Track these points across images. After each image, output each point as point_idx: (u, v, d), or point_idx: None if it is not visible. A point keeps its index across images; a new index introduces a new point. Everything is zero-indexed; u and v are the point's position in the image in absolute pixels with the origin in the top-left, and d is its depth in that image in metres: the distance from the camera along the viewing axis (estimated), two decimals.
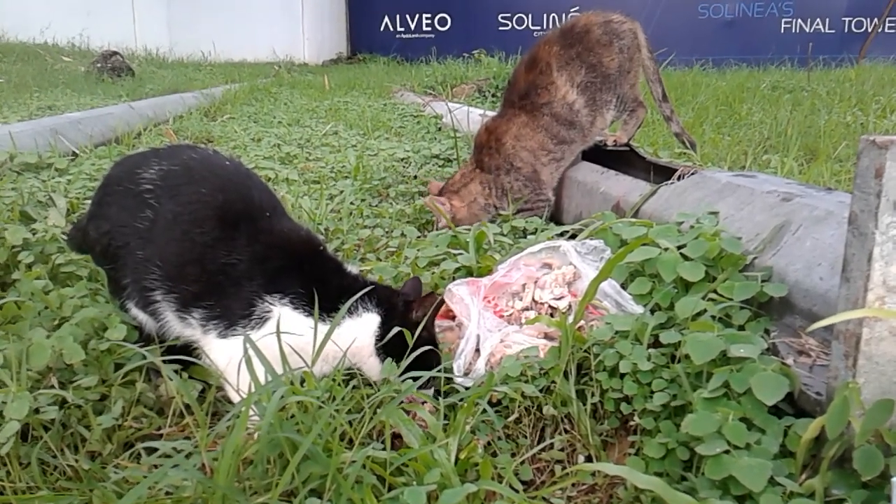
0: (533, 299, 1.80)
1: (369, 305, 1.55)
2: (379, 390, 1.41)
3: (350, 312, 1.51)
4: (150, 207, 1.55)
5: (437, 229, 2.81)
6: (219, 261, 1.50)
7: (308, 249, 1.60)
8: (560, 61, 2.94)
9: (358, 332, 1.52)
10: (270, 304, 1.48)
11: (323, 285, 1.51)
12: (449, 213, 2.82)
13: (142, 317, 1.61)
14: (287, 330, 1.41)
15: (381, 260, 2.39)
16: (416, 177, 3.73)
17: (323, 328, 1.44)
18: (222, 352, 1.49)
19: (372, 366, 1.54)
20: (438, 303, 1.56)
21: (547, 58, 2.96)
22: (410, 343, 1.49)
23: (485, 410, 1.40)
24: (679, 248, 1.69)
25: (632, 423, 1.43)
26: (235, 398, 1.46)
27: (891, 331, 1.07)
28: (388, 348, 1.52)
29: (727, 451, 1.15)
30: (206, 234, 1.52)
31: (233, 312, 1.49)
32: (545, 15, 14.04)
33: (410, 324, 1.53)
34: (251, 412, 1.20)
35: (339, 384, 1.42)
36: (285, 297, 1.49)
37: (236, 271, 1.50)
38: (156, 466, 1.34)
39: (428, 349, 1.50)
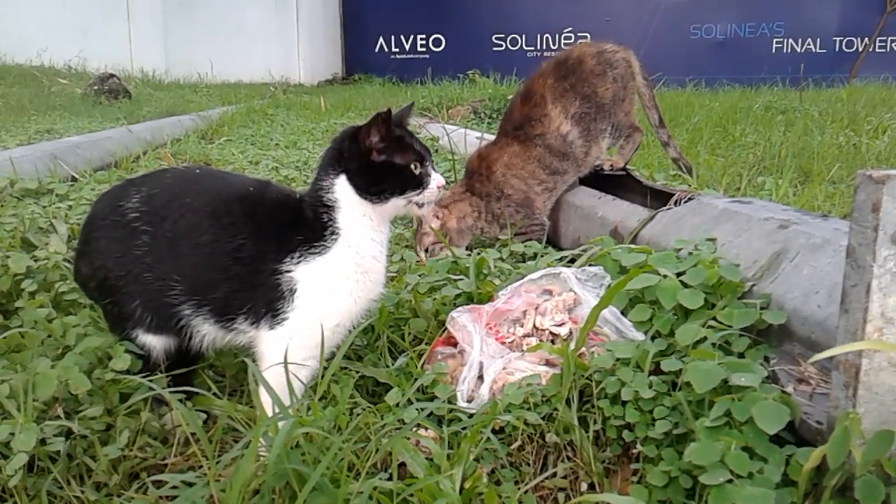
0: (534, 326, 1.81)
1: (333, 173, 1.60)
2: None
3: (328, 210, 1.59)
4: (145, 233, 1.58)
5: (415, 240, 2.84)
6: (229, 249, 1.56)
7: (292, 201, 1.65)
8: (554, 93, 2.99)
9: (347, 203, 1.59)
10: (289, 271, 1.55)
11: (312, 217, 1.59)
12: (439, 219, 2.85)
13: (152, 342, 1.63)
14: (323, 285, 1.55)
15: None
16: None
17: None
18: (277, 343, 1.54)
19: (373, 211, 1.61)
20: (384, 114, 1.57)
21: (541, 90, 3.01)
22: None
23: (488, 439, 1.42)
24: (678, 275, 1.71)
25: (634, 450, 1.45)
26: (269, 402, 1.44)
27: (889, 361, 1.09)
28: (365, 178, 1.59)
29: (730, 481, 1.17)
30: (208, 233, 1.57)
31: (269, 299, 1.55)
32: (539, 36, 14.16)
33: (365, 150, 1.58)
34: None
35: (343, 413, 1.43)
36: (295, 253, 1.55)
37: (246, 252, 1.56)
38: (162, 497, 1.35)
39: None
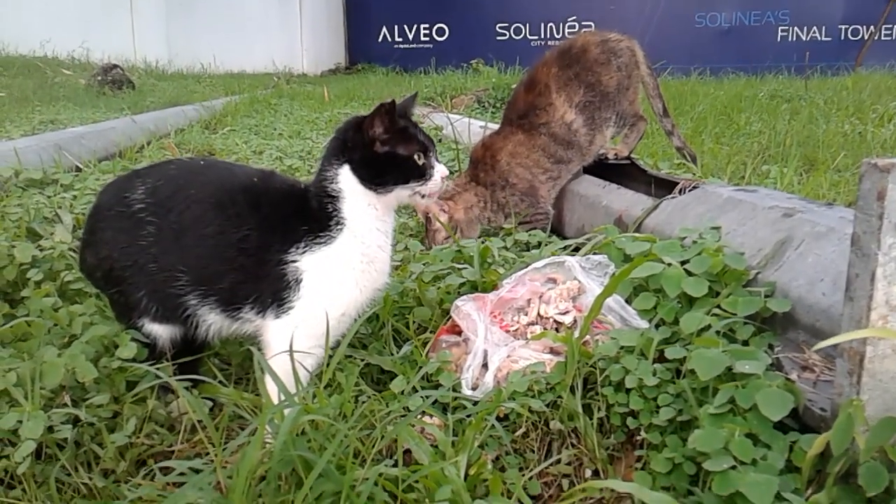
0: (538, 314, 1.82)
1: (337, 163, 1.61)
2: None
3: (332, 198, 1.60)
4: (150, 224, 1.59)
5: (428, 238, 2.84)
6: (235, 239, 1.57)
7: (297, 192, 1.66)
8: (558, 82, 2.98)
9: (352, 195, 1.60)
10: (294, 261, 1.56)
11: (317, 208, 1.60)
12: (446, 212, 2.85)
13: (158, 331, 1.64)
14: (328, 275, 1.56)
15: None
16: None
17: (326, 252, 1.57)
18: (282, 332, 1.55)
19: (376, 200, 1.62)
20: (388, 105, 1.58)
21: (545, 79, 3.00)
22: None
23: (493, 426, 1.42)
24: (683, 263, 1.71)
25: (638, 437, 1.45)
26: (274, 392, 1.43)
27: (894, 349, 1.09)
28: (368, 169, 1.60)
29: (734, 467, 1.17)
30: (213, 224, 1.58)
31: (274, 289, 1.56)
32: (542, 24, 14.09)
33: (369, 140, 1.59)
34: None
35: (349, 401, 1.44)
36: (300, 243, 1.56)
37: (251, 242, 1.57)
38: (169, 484, 1.36)
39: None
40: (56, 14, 11.15)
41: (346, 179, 1.59)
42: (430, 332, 1.89)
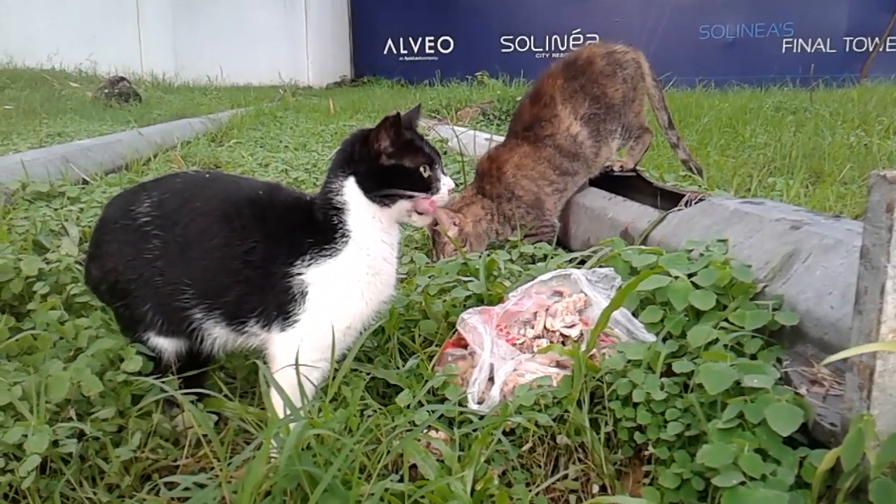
0: (545, 327, 1.81)
1: (342, 175, 1.60)
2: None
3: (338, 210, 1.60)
4: (156, 237, 1.59)
5: (436, 251, 2.83)
6: (240, 252, 1.56)
7: (302, 204, 1.66)
8: (564, 94, 2.98)
9: (356, 208, 1.59)
10: (300, 274, 1.55)
11: (323, 220, 1.59)
12: (456, 225, 2.85)
13: (164, 344, 1.64)
14: (334, 287, 1.55)
15: None
16: None
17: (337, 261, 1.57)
18: (288, 345, 1.54)
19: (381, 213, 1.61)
20: (393, 118, 1.57)
21: (551, 91, 3.00)
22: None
23: (499, 440, 1.41)
24: (690, 276, 1.70)
25: (646, 452, 1.44)
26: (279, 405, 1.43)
27: None
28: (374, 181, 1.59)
29: (743, 483, 1.16)
30: (218, 237, 1.58)
31: (280, 302, 1.56)
32: (547, 37, 14.15)
33: (375, 154, 1.59)
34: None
35: (354, 415, 1.43)
36: (306, 256, 1.56)
37: (257, 255, 1.56)
38: (174, 499, 1.35)
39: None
40: (63, 27, 11.23)
41: (351, 192, 1.59)
42: (436, 345, 1.89)
